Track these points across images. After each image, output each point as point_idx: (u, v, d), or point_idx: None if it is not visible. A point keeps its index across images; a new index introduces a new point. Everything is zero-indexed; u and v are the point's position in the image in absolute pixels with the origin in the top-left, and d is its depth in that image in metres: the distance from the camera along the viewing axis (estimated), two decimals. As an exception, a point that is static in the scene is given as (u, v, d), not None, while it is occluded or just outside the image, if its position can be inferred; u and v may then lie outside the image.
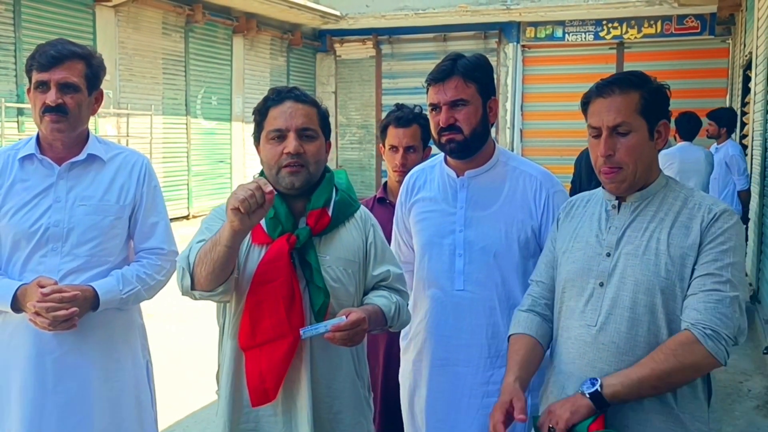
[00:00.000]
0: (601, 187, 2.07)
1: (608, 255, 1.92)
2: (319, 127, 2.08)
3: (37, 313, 2.20)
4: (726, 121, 7.01)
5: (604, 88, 1.92)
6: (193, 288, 1.95)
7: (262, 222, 2.03)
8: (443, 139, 2.28)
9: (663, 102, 1.94)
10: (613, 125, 1.88)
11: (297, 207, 2.06)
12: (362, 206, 2.21)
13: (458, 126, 2.24)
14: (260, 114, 2.09)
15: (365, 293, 2.15)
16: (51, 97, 2.28)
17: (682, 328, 1.81)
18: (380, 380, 2.82)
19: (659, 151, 1.97)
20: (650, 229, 1.90)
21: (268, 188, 1.82)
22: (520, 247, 2.28)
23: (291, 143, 2.00)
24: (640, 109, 1.88)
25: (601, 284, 1.91)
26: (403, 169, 2.92)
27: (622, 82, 1.92)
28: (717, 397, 5.01)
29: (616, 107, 1.88)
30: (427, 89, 2.32)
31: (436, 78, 2.27)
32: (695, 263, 1.83)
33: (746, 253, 7.40)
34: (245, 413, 2.04)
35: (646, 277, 1.85)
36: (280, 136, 2.02)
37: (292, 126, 2.01)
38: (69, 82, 2.30)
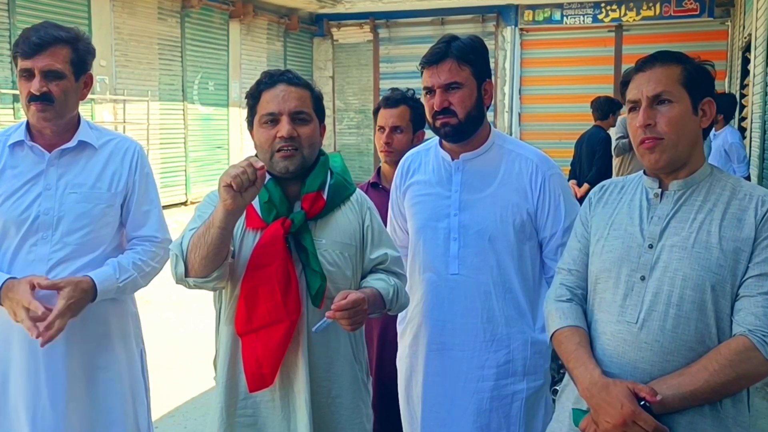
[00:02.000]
0: (635, 173, 1.97)
1: (650, 247, 1.79)
2: (312, 110, 2.05)
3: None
4: (724, 108, 6.91)
5: (644, 64, 1.83)
6: (187, 275, 1.93)
7: (257, 206, 2.01)
8: (438, 123, 2.26)
9: (707, 79, 1.83)
10: (652, 95, 1.77)
11: (292, 191, 2.04)
12: (358, 189, 2.19)
13: (452, 109, 2.22)
14: (253, 98, 2.07)
15: (363, 277, 2.13)
16: (35, 85, 2.23)
17: (736, 332, 1.69)
18: (374, 365, 2.81)
19: (705, 132, 1.84)
20: (698, 220, 1.76)
21: (259, 164, 1.80)
22: (516, 231, 2.26)
23: (284, 127, 1.98)
24: (682, 80, 1.78)
25: (642, 278, 1.78)
26: (389, 149, 2.91)
27: (664, 56, 1.83)
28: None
29: (656, 78, 1.79)
30: (422, 72, 2.30)
31: (430, 61, 2.24)
32: (749, 260, 1.71)
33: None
34: (242, 399, 2.03)
35: (695, 272, 1.72)
36: (273, 119, 2.00)
37: (285, 109, 1.99)
38: (53, 69, 2.25)
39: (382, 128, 2.98)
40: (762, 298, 1.67)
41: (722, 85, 12.13)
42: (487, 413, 2.28)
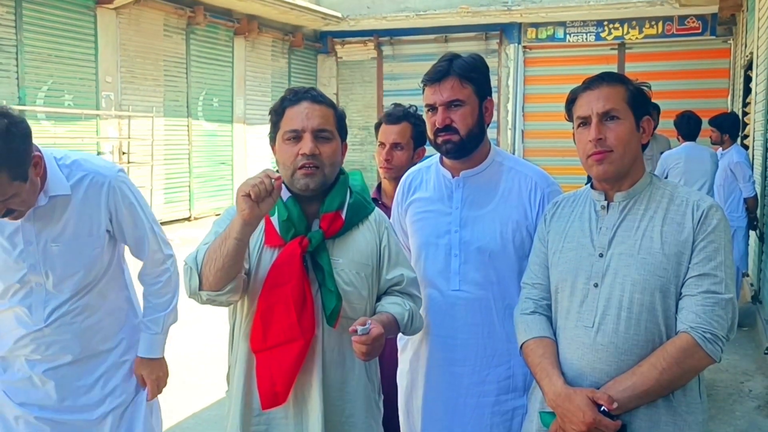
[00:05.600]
0: (585, 186, 2.10)
1: (601, 255, 1.93)
2: (335, 128, 2.05)
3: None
4: (728, 128, 6.88)
5: (591, 83, 1.98)
6: (200, 288, 1.92)
7: (275, 224, 2.02)
8: (439, 140, 2.27)
9: (645, 99, 1.99)
10: (603, 111, 1.92)
11: (310, 209, 2.04)
12: (377, 208, 2.19)
13: (454, 127, 2.23)
14: (276, 114, 2.06)
15: (378, 298, 2.13)
16: None
17: (680, 329, 1.83)
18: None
19: (643, 147, 2.00)
20: (642, 228, 1.91)
21: (276, 175, 1.84)
22: (516, 247, 2.27)
23: (307, 144, 1.97)
24: (627, 99, 1.94)
25: (596, 285, 1.92)
26: (388, 165, 2.91)
27: (609, 76, 1.99)
28: (718, 397, 5.02)
29: (605, 96, 1.93)
30: (423, 89, 2.31)
31: (432, 78, 2.25)
32: (689, 261, 1.85)
33: (748, 253, 7.38)
34: (256, 416, 2.03)
35: (642, 277, 1.86)
36: (296, 136, 2.00)
37: (308, 127, 1.99)
38: (8, 205, 2.10)
39: (382, 144, 2.99)
40: (702, 297, 1.82)
41: (725, 104, 12.17)
42: (488, 428, 2.28)
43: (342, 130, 2.09)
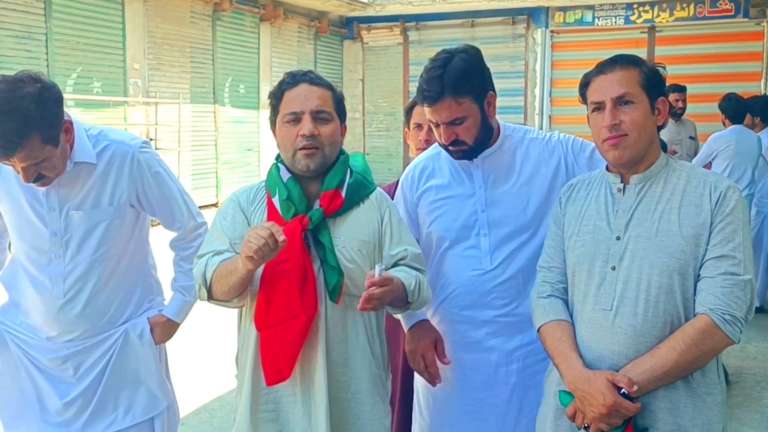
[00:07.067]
0: (600, 169, 2.09)
1: (618, 238, 1.93)
2: (334, 109, 2.09)
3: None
4: (759, 111, 6.79)
5: (604, 67, 1.97)
6: (210, 299, 2.06)
7: (277, 204, 2.06)
8: (449, 150, 2.29)
9: (660, 80, 1.98)
10: (617, 96, 1.91)
11: (311, 189, 2.08)
12: (378, 188, 2.21)
13: (461, 140, 2.23)
14: (276, 98, 2.11)
15: None
16: (25, 178, 2.16)
17: (699, 311, 1.83)
18: (402, 367, 2.78)
19: (659, 128, 1.99)
20: (659, 210, 1.90)
21: (281, 237, 1.82)
22: (543, 219, 2.26)
23: (306, 125, 2.03)
24: (641, 82, 1.92)
25: (613, 268, 1.92)
26: (428, 146, 2.90)
27: (622, 59, 1.97)
28: (746, 385, 4.95)
29: (619, 80, 1.92)
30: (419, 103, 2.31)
31: (427, 99, 2.20)
32: (708, 243, 1.84)
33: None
34: (264, 395, 2.07)
35: (660, 259, 1.86)
36: (296, 118, 2.05)
37: (307, 108, 2.04)
38: (38, 169, 2.15)
39: (419, 125, 2.98)
40: (721, 279, 1.82)
41: (758, 87, 11.93)
42: (533, 387, 2.28)
43: (341, 111, 2.13)
